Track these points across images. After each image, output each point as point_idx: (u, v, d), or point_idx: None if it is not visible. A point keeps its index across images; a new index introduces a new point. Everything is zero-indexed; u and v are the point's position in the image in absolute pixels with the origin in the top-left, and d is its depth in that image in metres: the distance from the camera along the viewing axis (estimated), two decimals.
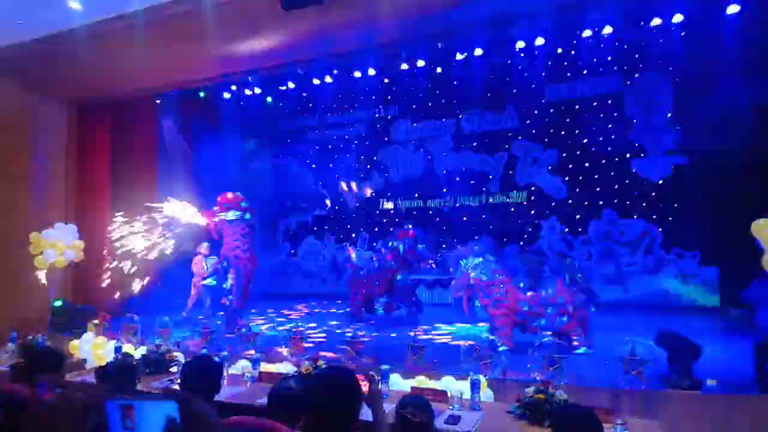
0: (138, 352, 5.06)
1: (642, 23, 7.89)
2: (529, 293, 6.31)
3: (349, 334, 5.92)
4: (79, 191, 9.36)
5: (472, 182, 10.79)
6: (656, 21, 7.58)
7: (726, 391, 4.37)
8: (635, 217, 9.47)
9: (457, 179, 10.94)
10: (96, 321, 6.88)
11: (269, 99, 10.72)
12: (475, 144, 10.80)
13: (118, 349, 5.12)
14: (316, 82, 9.66)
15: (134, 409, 1.14)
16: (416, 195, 11.33)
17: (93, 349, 6.33)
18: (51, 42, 6.82)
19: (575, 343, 5.96)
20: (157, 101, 10.13)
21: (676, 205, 9.18)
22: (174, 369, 4.36)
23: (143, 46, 6.53)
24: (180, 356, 4.66)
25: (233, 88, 10.15)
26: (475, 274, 6.40)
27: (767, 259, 4.73)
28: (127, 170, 9.89)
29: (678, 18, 7.43)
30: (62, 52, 7.13)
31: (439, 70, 9.89)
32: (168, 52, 7.20)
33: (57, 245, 7.79)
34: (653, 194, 9.36)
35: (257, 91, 10.13)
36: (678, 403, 4.32)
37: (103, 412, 1.17)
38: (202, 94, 9.91)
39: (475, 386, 3.54)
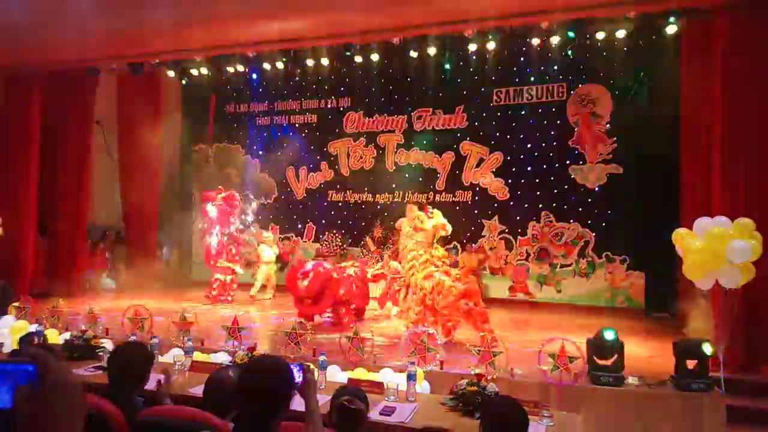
0: (62, 338, 4.82)
1: (588, 36, 8.23)
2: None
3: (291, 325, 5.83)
4: (0, 164, 8.74)
5: (420, 179, 10.90)
6: (600, 35, 7.96)
7: (645, 387, 4.65)
8: (571, 221, 9.88)
9: (406, 175, 11.01)
10: (17, 304, 6.49)
11: (216, 80, 10.34)
12: (424, 142, 10.91)
13: (39, 333, 4.84)
14: (266, 66, 9.43)
15: None
16: (365, 189, 11.31)
17: (12, 333, 5.93)
18: None
19: None
20: (95, 76, 9.56)
21: (609, 211, 9.64)
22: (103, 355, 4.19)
23: (81, 11, 6.14)
24: (107, 343, 4.50)
25: (180, 67, 9.73)
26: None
27: (687, 266, 5.05)
28: (57, 146, 9.31)
29: (621, 34, 7.82)
30: None
31: (396, 64, 9.90)
32: (109, 21, 6.80)
33: None
34: (589, 200, 9.79)
35: (204, 71, 9.76)
36: (601, 398, 4.56)
37: None
38: (143, 70, 9.37)
39: (411, 378, 3.59)
